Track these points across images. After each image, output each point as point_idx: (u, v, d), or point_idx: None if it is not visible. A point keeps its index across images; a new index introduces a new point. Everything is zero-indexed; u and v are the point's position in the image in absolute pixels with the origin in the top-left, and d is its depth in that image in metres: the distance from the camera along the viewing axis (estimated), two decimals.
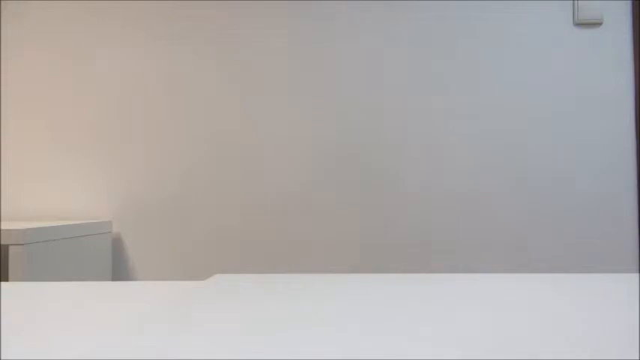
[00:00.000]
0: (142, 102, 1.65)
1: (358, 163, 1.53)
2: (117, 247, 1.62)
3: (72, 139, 1.66)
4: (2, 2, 1.69)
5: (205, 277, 1.53)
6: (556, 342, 0.34)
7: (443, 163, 1.52)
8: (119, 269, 1.61)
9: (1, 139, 1.68)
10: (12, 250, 1.23)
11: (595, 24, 1.53)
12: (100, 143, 1.65)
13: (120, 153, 1.65)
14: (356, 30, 1.60)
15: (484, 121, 1.55)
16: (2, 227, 1.25)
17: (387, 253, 1.51)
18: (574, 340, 0.35)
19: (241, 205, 1.60)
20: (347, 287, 0.54)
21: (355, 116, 1.59)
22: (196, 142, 1.63)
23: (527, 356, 0.32)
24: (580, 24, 1.54)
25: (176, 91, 1.64)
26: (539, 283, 0.56)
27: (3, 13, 1.69)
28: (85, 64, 1.67)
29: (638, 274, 0.56)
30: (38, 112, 1.68)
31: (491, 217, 1.52)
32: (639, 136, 1.52)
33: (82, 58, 1.67)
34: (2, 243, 1.23)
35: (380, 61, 1.60)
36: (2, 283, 0.58)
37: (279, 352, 0.33)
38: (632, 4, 1.53)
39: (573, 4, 1.53)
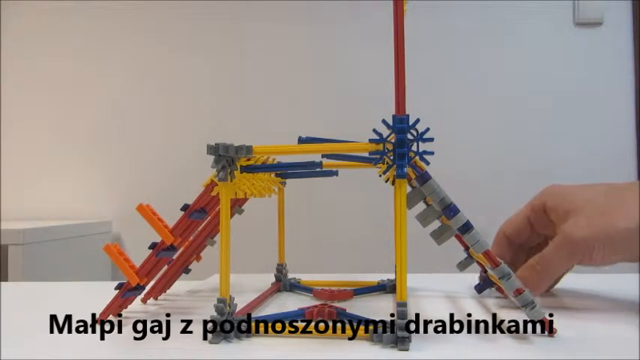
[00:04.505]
0: (142, 102, 1.65)
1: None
2: None
3: (72, 140, 1.66)
4: (2, 2, 1.69)
5: (205, 277, 1.52)
6: (557, 343, 0.34)
7: (444, 162, 1.51)
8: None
9: (1, 139, 1.68)
10: (11, 250, 1.23)
11: (595, 24, 1.53)
12: (100, 143, 1.65)
13: (120, 153, 1.65)
14: (357, 30, 1.60)
15: (483, 120, 1.55)
16: (2, 227, 1.25)
17: (389, 254, 1.50)
18: (575, 340, 0.34)
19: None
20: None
21: (356, 116, 1.59)
22: (196, 142, 1.62)
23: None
24: (580, 24, 1.54)
25: (176, 91, 1.64)
26: None
27: (3, 13, 1.69)
28: (85, 64, 1.67)
29: (638, 274, 0.55)
30: (38, 112, 1.68)
31: (489, 217, 1.52)
32: (639, 136, 1.52)
33: (82, 58, 1.67)
34: (2, 243, 1.23)
35: (380, 62, 1.59)
36: (2, 283, 0.58)
37: (280, 351, 0.33)
38: (632, 4, 1.53)
39: (573, 4, 1.53)
